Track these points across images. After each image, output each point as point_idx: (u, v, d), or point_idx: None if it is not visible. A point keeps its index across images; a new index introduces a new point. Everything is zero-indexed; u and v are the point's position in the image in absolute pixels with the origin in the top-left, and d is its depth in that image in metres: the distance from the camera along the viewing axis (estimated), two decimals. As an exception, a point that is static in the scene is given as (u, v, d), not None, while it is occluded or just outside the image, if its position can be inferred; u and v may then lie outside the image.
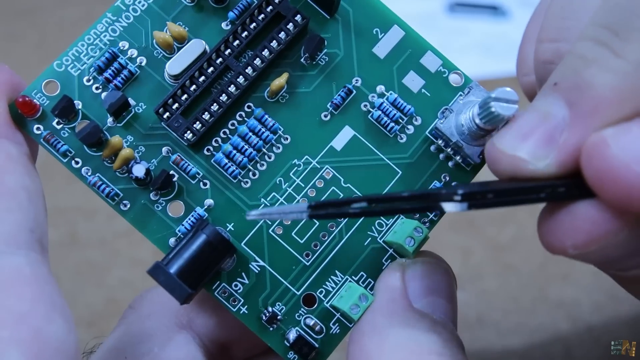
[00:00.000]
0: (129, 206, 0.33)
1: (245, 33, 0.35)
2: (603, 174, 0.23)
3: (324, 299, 0.34)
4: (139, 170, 0.32)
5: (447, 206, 0.25)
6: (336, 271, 0.34)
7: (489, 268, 0.61)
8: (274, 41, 0.35)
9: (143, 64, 0.34)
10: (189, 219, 0.33)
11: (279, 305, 0.34)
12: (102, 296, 0.59)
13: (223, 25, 0.35)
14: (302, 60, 0.36)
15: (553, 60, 0.30)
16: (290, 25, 0.35)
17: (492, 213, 0.62)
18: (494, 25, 0.78)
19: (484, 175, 0.35)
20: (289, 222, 0.34)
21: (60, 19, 0.74)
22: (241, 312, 0.33)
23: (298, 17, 0.35)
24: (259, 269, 0.34)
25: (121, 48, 0.34)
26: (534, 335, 0.58)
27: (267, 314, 0.33)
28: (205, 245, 0.31)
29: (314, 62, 0.36)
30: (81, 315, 0.58)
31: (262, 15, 0.35)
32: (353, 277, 0.34)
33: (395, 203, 0.27)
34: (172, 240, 0.33)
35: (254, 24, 0.35)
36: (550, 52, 0.30)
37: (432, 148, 0.36)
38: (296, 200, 0.34)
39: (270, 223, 0.34)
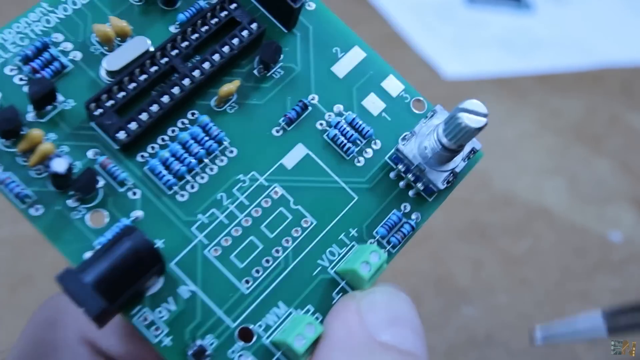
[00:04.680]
0: (41, 211, 0.29)
1: (196, 35, 0.32)
2: None
3: (263, 333, 0.29)
4: (58, 165, 0.28)
5: None
6: (279, 302, 0.30)
7: (500, 282, 0.56)
8: (226, 46, 0.32)
9: (77, 58, 0.31)
10: (112, 230, 0.29)
11: (209, 338, 0.29)
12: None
13: (171, 28, 0.33)
14: (255, 71, 0.33)
15: None
16: (244, 32, 0.32)
17: (506, 222, 0.57)
18: (517, 19, 0.72)
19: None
20: (249, 223, 0.30)
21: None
22: (163, 344, 0.28)
23: (254, 25, 0.32)
24: (189, 294, 0.29)
25: (54, 40, 0.31)
26: (547, 357, 0.53)
27: (195, 348, 0.28)
28: (130, 254, 0.27)
29: (268, 75, 0.33)
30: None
31: (216, 20, 0.32)
32: (299, 310, 0.30)
33: None
34: (88, 254, 0.28)
35: (206, 27, 0.32)
36: None
37: (392, 175, 0.33)
38: (239, 219, 0.30)
39: (205, 243, 0.30)
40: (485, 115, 0.29)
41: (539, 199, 0.61)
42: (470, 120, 0.28)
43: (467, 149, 0.32)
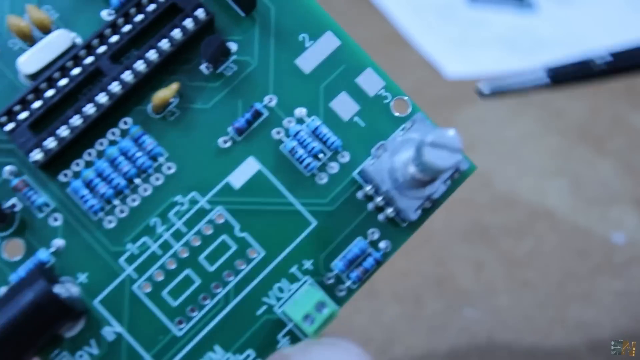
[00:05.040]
0: (-49, 240, 0.26)
1: (129, 27, 0.27)
2: None
3: (195, 382, 0.26)
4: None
5: None
6: (216, 346, 0.26)
7: (502, 284, 0.54)
8: (165, 40, 0.27)
9: (-7, 56, 0.27)
10: (27, 265, 0.26)
11: (135, 385, 0.26)
12: None
13: (104, 14, 0.27)
14: (203, 67, 0.28)
15: None
16: (188, 22, 0.27)
17: (508, 223, 0.56)
18: (519, 18, 0.69)
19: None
20: (186, 254, 0.26)
21: None
22: (85, 391, 0.26)
23: (200, 12, 0.27)
24: (114, 337, 0.26)
25: (-34, 34, 0.27)
26: (550, 359, 0.52)
27: (119, 396, 0.25)
28: (31, 308, 0.24)
29: (217, 72, 0.28)
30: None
31: (154, 6, 0.27)
32: (238, 355, 0.26)
33: None
34: (2, 290, 0.26)
35: (141, 16, 0.27)
36: None
37: (360, 195, 0.27)
38: (174, 250, 0.26)
39: (135, 277, 0.26)
40: (458, 151, 0.23)
41: (541, 200, 0.57)
42: (438, 158, 0.23)
43: (450, 171, 0.26)
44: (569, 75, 0.25)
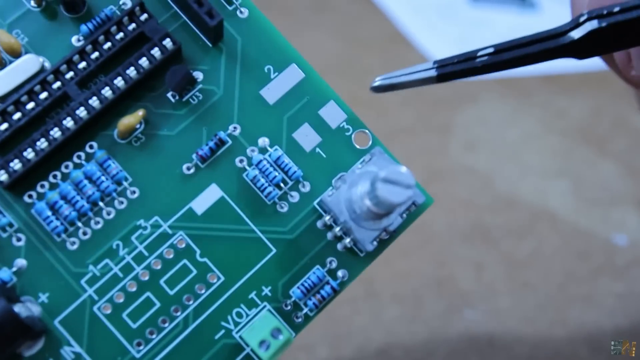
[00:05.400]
0: None
1: (96, 54, 0.27)
2: None
3: (151, 403, 0.27)
4: None
5: (576, 33, 0.24)
6: (173, 369, 0.27)
7: (503, 285, 0.53)
8: (132, 68, 0.27)
9: (-38, 77, 0.27)
10: (-12, 284, 0.26)
11: (92, 406, 0.26)
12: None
13: (74, 40, 0.28)
14: (169, 95, 0.28)
15: None
16: (155, 51, 0.27)
17: (509, 224, 0.55)
18: (521, 18, 0.69)
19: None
20: (147, 277, 0.27)
21: None
22: (41, 410, 0.26)
23: (167, 42, 0.28)
24: (72, 357, 0.26)
25: (-64, 54, 0.27)
26: None
27: (75, 416, 0.26)
28: (-11, 326, 0.24)
29: (183, 100, 0.28)
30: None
31: (121, 34, 0.28)
32: (195, 378, 0.27)
33: (524, 48, 0.25)
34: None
35: (109, 44, 0.27)
36: None
37: (319, 224, 0.28)
38: (135, 272, 0.27)
39: (96, 299, 0.27)
40: (410, 187, 0.24)
41: (542, 201, 0.56)
42: (390, 194, 0.24)
43: (404, 205, 0.27)
44: (455, 68, 0.26)
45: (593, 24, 0.24)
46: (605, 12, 0.24)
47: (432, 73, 0.26)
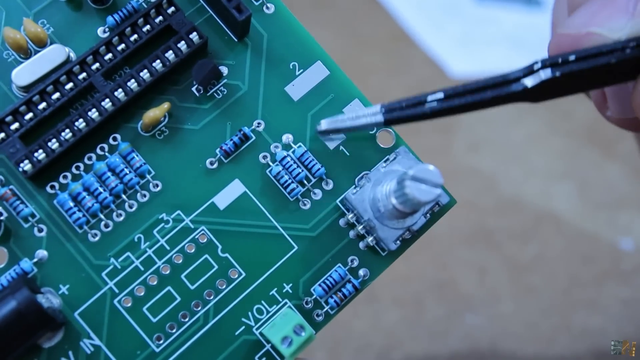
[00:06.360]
0: None
1: (122, 46, 0.27)
2: None
3: (170, 398, 0.26)
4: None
5: (529, 80, 0.23)
6: (192, 364, 0.27)
7: (506, 289, 0.53)
8: (158, 61, 0.27)
9: (-13, 66, 0.27)
10: (9, 273, 0.26)
11: (110, 399, 0.26)
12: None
13: (99, 31, 0.28)
14: (194, 89, 0.28)
15: None
16: (182, 44, 0.27)
17: (513, 227, 0.55)
18: (526, 16, 0.69)
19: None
20: (168, 271, 0.26)
21: None
22: (59, 403, 0.26)
23: (194, 35, 0.27)
24: (92, 349, 0.26)
25: (-38, 42, 0.27)
26: None
27: (93, 410, 0.26)
28: (12, 316, 0.24)
29: (208, 94, 0.28)
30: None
31: (148, 27, 0.27)
32: (214, 374, 0.27)
33: (475, 94, 0.24)
34: (-18, 299, 0.26)
35: (135, 36, 0.27)
36: None
37: (342, 222, 0.28)
38: (157, 266, 0.27)
39: (116, 292, 0.26)
40: (438, 185, 0.24)
41: (547, 204, 0.56)
42: (419, 192, 0.24)
43: (429, 204, 0.27)
44: (402, 114, 0.25)
45: (547, 73, 0.23)
46: (560, 60, 0.23)
47: (379, 118, 0.26)
